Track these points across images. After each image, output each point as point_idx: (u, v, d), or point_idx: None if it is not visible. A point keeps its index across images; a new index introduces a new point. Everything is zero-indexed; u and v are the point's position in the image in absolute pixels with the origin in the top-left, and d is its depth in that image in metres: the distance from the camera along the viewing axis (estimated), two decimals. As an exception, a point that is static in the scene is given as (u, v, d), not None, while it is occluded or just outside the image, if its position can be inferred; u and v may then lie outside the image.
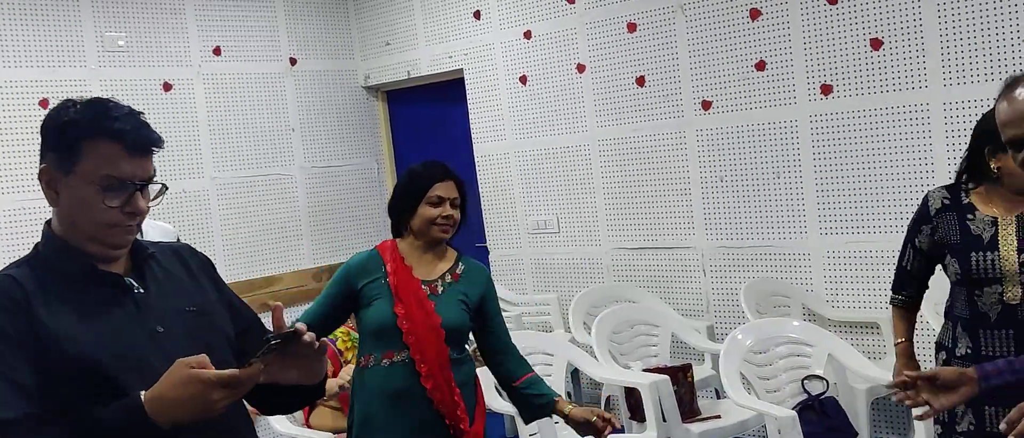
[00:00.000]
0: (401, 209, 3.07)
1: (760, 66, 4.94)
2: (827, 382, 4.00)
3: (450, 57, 6.32)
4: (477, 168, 6.28)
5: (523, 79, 5.96)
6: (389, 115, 6.99)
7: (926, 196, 2.92)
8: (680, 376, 4.30)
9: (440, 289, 3.01)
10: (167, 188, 1.83)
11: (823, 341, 3.98)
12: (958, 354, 2.84)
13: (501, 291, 6.06)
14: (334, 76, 6.75)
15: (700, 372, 4.70)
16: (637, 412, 4.28)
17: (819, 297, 4.87)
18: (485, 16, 6.09)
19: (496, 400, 3.98)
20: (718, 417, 4.23)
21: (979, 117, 2.88)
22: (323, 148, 6.62)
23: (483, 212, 6.31)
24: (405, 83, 6.72)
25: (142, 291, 1.78)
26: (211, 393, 1.56)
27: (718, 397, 4.82)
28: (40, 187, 1.77)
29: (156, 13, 5.89)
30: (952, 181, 2.92)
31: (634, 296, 5.35)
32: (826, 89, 4.74)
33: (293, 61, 6.48)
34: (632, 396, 4.31)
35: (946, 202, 2.86)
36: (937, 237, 2.86)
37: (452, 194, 3.05)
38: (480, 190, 6.29)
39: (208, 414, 1.58)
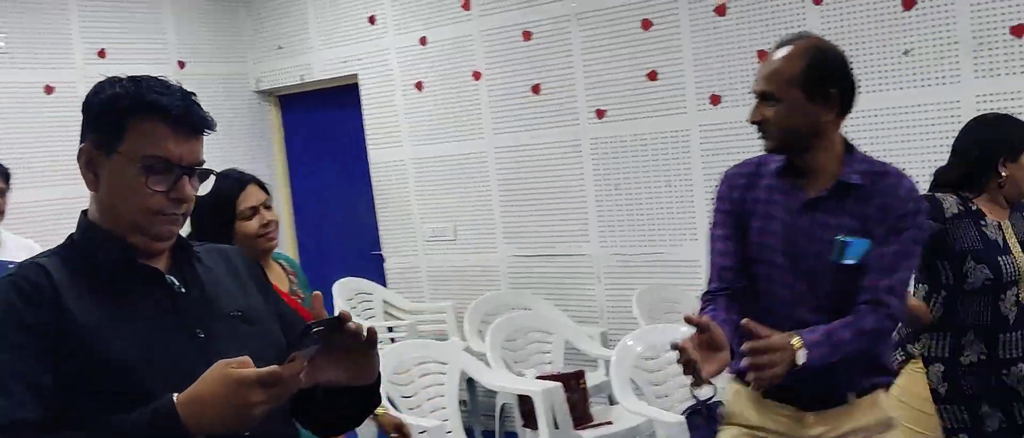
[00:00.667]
0: (213, 236, 2.70)
1: (652, 76, 5.02)
2: (715, 387, 4.06)
3: (344, 62, 6.26)
4: (372, 175, 6.22)
5: (419, 85, 5.93)
6: (282, 121, 6.88)
7: (937, 199, 2.89)
8: (573, 383, 4.33)
9: (301, 295, 2.90)
10: (214, 174, 1.69)
11: (711, 347, 4.05)
12: (966, 363, 2.90)
13: (397, 299, 6.03)
14: (225, 80, 6.61)
15: (594, 379, 4.74)
16: (530, 419, 4.28)
17: (709, 303, 4.95)
18: (380, 21, 6.04)
19: (398, 414, 3.94)
20: (610, 423, 4.27)
21: (971, 125, 3.02)
22: (214, 154, 6.42)
23: (378, 220, 6.26)
24: (298, 88, 6.62)
25: (184, 290, 1.62)
26: (249, 394, 1.38)
27: (611, 403, 4.86)
28: (78, 170, 1.61)
29: (37, 13, 5.69)
30: (927, 190, 2.96)
31: (529, 303, 5.37)
32: (715, 99, 4.84)
33: (181, 64, 6.32)
34: (526, 403, 4.31)
35: (960, 209, 2.89)
36: (950, 242, 2.85)
37: (261, 198, 2.81)
38: (375, 197, 6.24)
39: (247, 422, 1.40)
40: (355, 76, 6.22)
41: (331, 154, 6.57)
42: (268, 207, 2.84)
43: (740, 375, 2.44)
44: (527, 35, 5.43)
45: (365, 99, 6.20)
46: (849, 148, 2.34)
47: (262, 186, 2.86)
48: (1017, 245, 2.90)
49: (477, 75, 5.67)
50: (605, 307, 5.35)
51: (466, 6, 5.64)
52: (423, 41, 5.86)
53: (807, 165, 2.31)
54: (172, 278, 1.62)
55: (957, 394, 2.93)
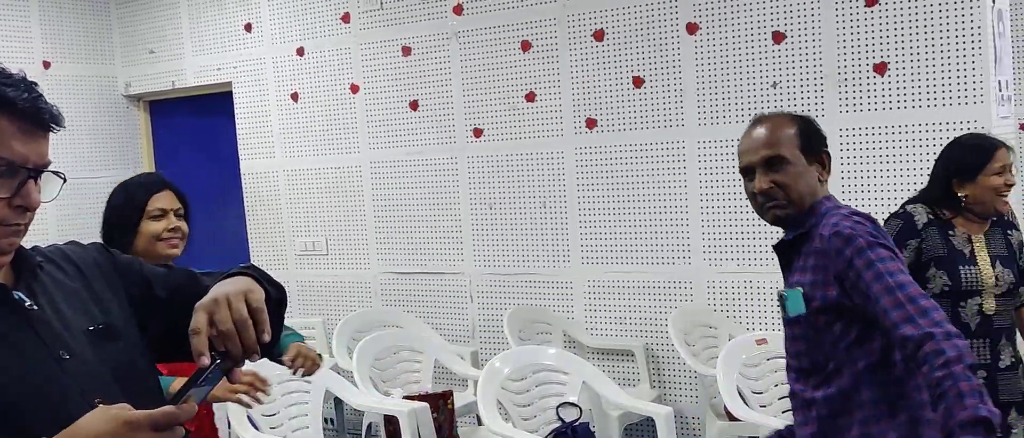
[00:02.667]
0: (120, 231, 2.71)
1: (530, 97, 5.03)
2: (581, 409, 4.08)
3: (218, 69, 6.09)
4: (243, 186, 6.07)
5: (294, 96, 5.81)
6: (151, 127, 6.66)
7: (907, 212, 3.14)
8: (440, 403, 4.28)
9: None
10: (66, 179, 1.44)
11: (578, 368, 4.07)
12: (1002, 367, 3.11)
13: (264, 314, 5.87)
14: (92, 82, 6.36)
15: (463, 399, 4.70)
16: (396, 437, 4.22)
17: (579, 324, 4.99)
18: (256, 29, 5.91)
19: (250, 431, 3.83)
20: (476, 444, 4.24)
21: (944, 147, 3.23)
22: (78, 159, 6.21)
23: (248, 232, 6.10)
24: (169, 93, 6.42)
25: (35, 308, 1.37)
26: (137, 434, 1.20)
27: (479, 424, 4.83)
28: None
29: None
30: (899, 208, 3.22)
31: (401, 321, 5.31)
32: (591, 123, 4.88)
33: (46, 64, 6.06)
34: (392, 423, 4.24)
35: (930, 217, 3.11)
36: (923, 250, 3.09)
37: (174, 205, 2.75)
38: (246, 209, 6.08)
39: None
40: (229, 84, 6.06)
41: (201, 163, 6.38)
42: (180, 217, 2.79)
43: None
44: (406, 51, 5.38)
45: (239, 108, 6.05)
46: (813, 208, 2.26)
47: (178, 194, 2.80)
48: (987, 259, 3.07)
49: (354, 88, 5.59)
50: (477, 326, 5.33)
51: (345, 18, 5.56)
52: (300, 51, 5.75)
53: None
54: (20, 294, 1.37)
55: None
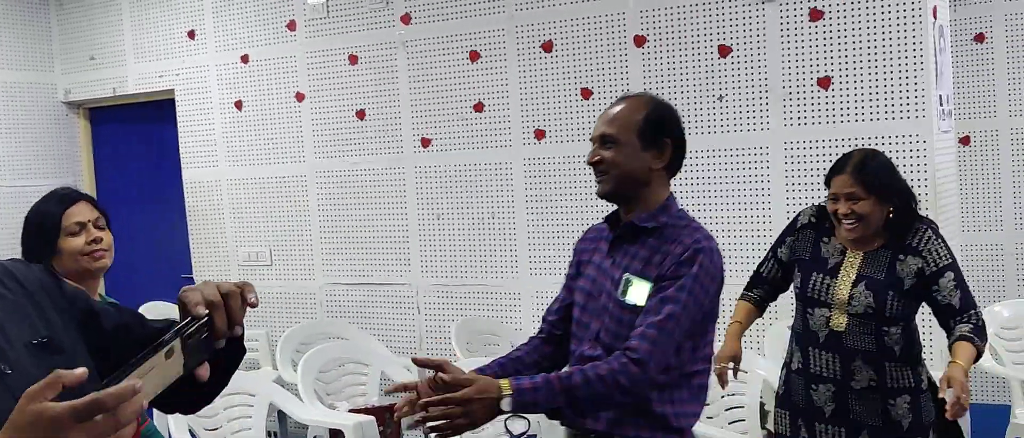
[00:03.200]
0: (40, 252, 2.61)
1: (478, 107, 5.01)
2: (528, 421, 4.05)
3: (161, 76, 5.99)
4: (186, 194, 5.97)
5: (238, 104, 5.73)
6: (91, 135, 6.53)
7: (800, 212, 3.19)
8: (387, 416, 4.24)
9: None
10: None
11: (526, 381, 4.04)
12: (793, 368, 3.13)
13: (207, 325, 5.77)
14: (30, 89, 6.22)
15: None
16: (342, 453, 4.17)
17: (526, 336, 4.95)
18: (200, 36, 5.82)
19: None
20: (423, 457, 4.19)
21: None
22: (14, 166, 6.07)
23: (191, 241, 6.00)
24: (111, 101, 6.30)
25: None
26: (65, 432, 1.06)
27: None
28: None
29: None
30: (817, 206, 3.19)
31: (346, 333, 5.25)
32: (540, 134, 4.87)
33: (-18, 69, 5.92)
34: (337, 437, 4.19)
35: (813, 220, 3.12)
36: (793, 249, 3.12)
37: (92, 215, 2.67)
38: (188, 218, 5.98)
39: None
40: (172, 91, 5.96)
41: (143, 171, 6.27)
42: (101, 227, 2.70)
43: None
44: (353, 59, 5.34)
45: (181, 116, 5.95)
46: (675, 212, 2.40)
47: (95, 204, 2.72)
48: (851, 276, 2.98)
49: (300, 97, 5.53)
50: (425, 338, 5.29)
51: (291, 26, 5.50)
52: (245, 59, 5.68)
53: (629, 212, 2.41)
54: None
55: (787, 399, 3.17)
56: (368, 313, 5.45)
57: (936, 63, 4.18)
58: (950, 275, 2.93)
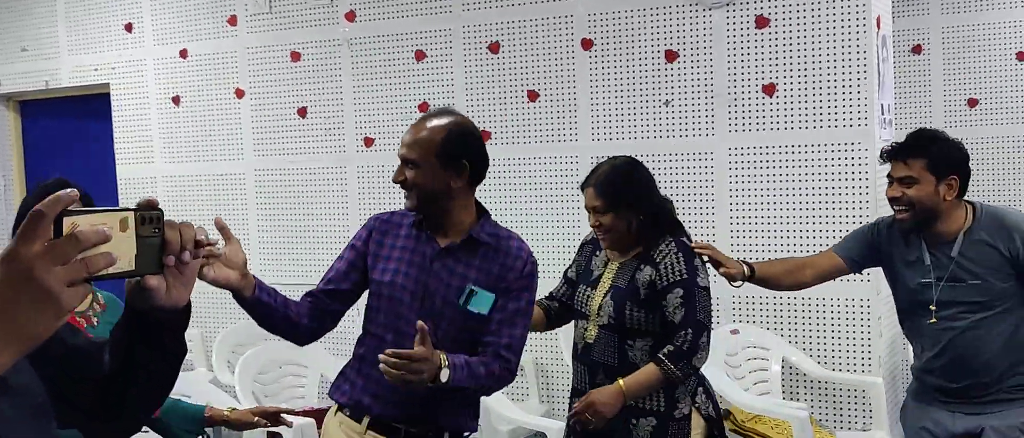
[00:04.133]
0: None
1: (423, 107, 4.96)
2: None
3: (96, 70, 5.83)
4: (120, 192, 5.82)
5: (176, 100, 5.60)
6: (22, 127, 6.33)
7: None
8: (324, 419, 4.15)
9: (95, 321, 2.69)
10: None
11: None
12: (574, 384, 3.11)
13: (140, 325, 5.62)
14: (-43, 79, 6.02)
15: (348, 414, 4.57)
16: (280, 456, 4.08)
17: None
18: (137, 29, 5.68)
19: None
20: (362, 461, 4.12)
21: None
22: (-62, 158, 5.88)
23: (124, 239, 5.84)
24: (42, 93, 6.12)
25: None
26: (41, 270, 1.03)
27: (365, 440, 4.71)
28: None
29: None
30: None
31: (284, 334, 5.13)
32: (485, 135, 4.83)
33: (-94, 57, 5.72)
34: (274, 435, 4.10)
35: (591, 237, 3.13)
36: (578, 265, 3.13)
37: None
38: (122, 215, 5.83)
39: (52, 300, 1.04)
40: (107, 85, 5.81)
41: (75, 167, 6.09)
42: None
43: (344, 408, 2.73)
44: (296, 56, 5.25)
45: (116, 110, 5.80)
46: (484, 214, 2.63)
47: (85, 197, 2.69)
48: (606, 287, 2.93)
49: (240, 93, 5.42)
50: (364, 340, 5.21)
51: (232, 21, 5.39)
52: (183, 54, 5.55)
53: (441, 222, 2.59)
54: None
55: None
56: (307, 314, 5.34)
57: (879, 72, 4.23)
58: (679, 291, 2.81)
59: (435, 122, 2.53)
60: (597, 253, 3.06)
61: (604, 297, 2.94)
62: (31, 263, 1.04)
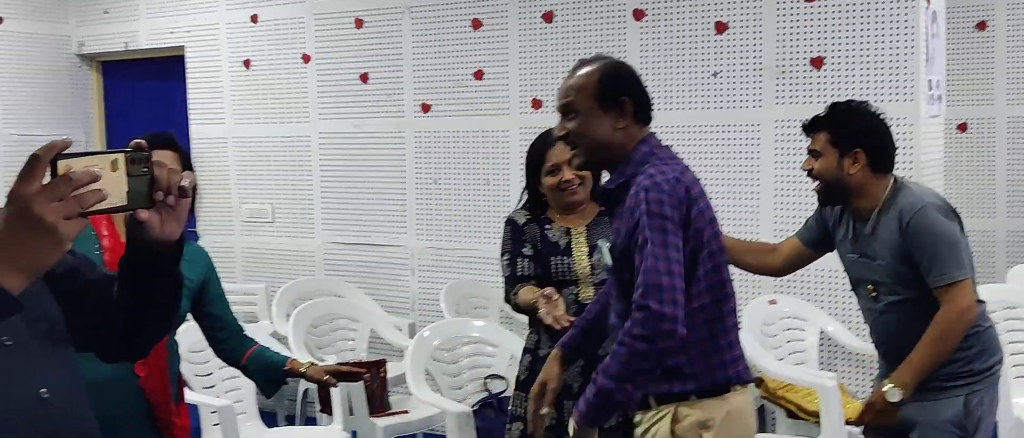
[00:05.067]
0: None
1: (478, 75, 5.09)
2: (508, 381, 4.17)
3: (172, 33, 6.09)
4: (193, 151, 6.08)
5: (247, 63, 5.83)
6: (103, 87, 6.65)
7: (509, 218, 3.24)
8: (373, 371, 4.34)
9: None
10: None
11: (505, 342, 4.15)
12: (541, 355, 3.05)
13: (208, 278, 5.89)
14: (45, 40, 6.34)
15: (397, 368, 4.77)
16: (329, 404, 4.28)
17: (517, 301, 5.07)
18: (212, -5, 5.92)
19: (186, 390, 3.88)
20: (406, 412, 4.31)
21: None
22: (26, 115, 6.20)
23: (195, 197, 6.10)
24: (123, 55, 6.41)
25: None
26: (38, 205, 1.21)
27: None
28: None
29: None
30: (521, 206, 3.27)
31: (342, 290, 5.36)
32: (536, 103, 4.95)
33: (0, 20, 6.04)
34: (324, 389, 4.30)
35: (529, 218, 3.20)
36: (530, 247, 3.14)
37: (170, 165, 2.82)
38: (195, 174, 6.08)
39: (50, 233, 1.23)
40: (182, 48, 6.06)
41: (151, 126, 6.36)
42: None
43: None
44: (359, 23, 5.42)
45: (190, 72, 6.06)
46: (640, 160, 2.37)
47: (182, 159, 2.86)
48: (584, 249, 3.09)
49: (306, 58, 5.62)
50: (417, 299, 5.40)
51: (300, -12, 5.59)
52: (254, 19, 5.77)
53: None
54: None
55: (529, 385, 3.01)
56: (364, 272, 5.56)
57: (927, 48, 4.22)
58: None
59: (586, 67, 2.42)
60: (547, 228, 3.14)
61: (592, 257, 3.07)
62: (29, 200, 1.23)
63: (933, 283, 2.79)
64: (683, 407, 2.33)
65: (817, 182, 3.00)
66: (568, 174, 3.07)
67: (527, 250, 3.15)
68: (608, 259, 2.47)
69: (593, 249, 3.07)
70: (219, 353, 3.05)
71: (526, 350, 3.21)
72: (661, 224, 2.21)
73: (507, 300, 3.23)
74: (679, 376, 2.32)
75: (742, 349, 2.43)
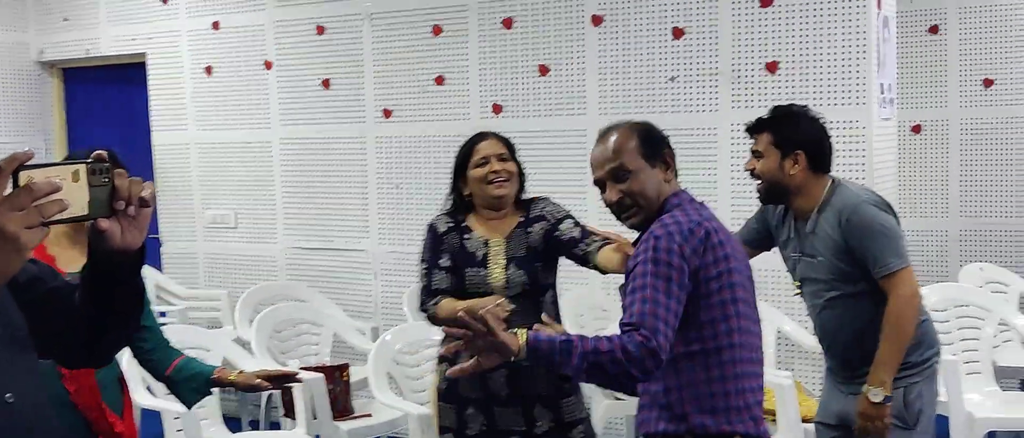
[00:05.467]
0: None
1: (439, 80, 5.14)
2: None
3: (133, 40, 6.09)
4: (154, 157, 6.08)
5: (208, 70, 5.84)
6: (64, 94, 6.62)
7: (431, 224, 3.24)
8: (336, 375, 4.38)
9: None
10: None
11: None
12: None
13: (171, 285, 5.91)
14: (4, 48, 6.31)
15: (360, 373, 4.79)
16: (292, 409, 4.31)
17: (480, 305, 5.11)
18: (173, 1, 5.91)
19: (147, 397, 3.90)
20: (369, 416, 4.34)
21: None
22: (-11, 124, 6.18)
23: (158, 203, 6.11)
24: (84, 62, 6.39)
25: None
26: None
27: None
28: None
29: None
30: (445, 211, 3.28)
31: (305, 295, 5.38)
32: (497, 108, 5.00)
33: (-44, 27, 6.01)
34: (288, 394, 4.33)
35: (450, 226, 3.21)
36: (448, 257, 3.14)
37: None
38: (157, 180, 6.09)
39: (12, 242, 1.28)
40: (143, 55, 6.06)
41: (113, 132, 6.37)
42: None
43: None
44: (320, 29, 5.45)
45: (152, 79, 6.05)
46: (664, 205, 2.42)
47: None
48: (500, 262, 3.09)
49: (268, 64, 5.64)
50: (379, 303, 5.43)
51: (261, -6, 5.61)
52: (215, 25, 5.78)
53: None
54: None
55: (453, 394, 3.16)
56: (327, 277, 5.58)
57: (879, 52, 4.32)
58: (570, 222, 3.14)
59: (618, 129, 2.46)
60: (466, 237, 3.16)
61: (507, 270, 3.09)
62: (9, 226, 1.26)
63: (878, 274, 2.91)
64: None
65: (759, 181, 3.09)
66: (496, 165, 3.12)
67: (444, 261, 3.15)
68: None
69: (510, 262, 3.09)
70: (144, 364, 2.99)
71: (442, 358, 3.10)
72: (659, 270, 2.25)
73: (422, 309, 3.19)
74: (674, 416, 2.35)
75: (758, 401, 2.42)
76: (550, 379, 3.07)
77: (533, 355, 2.17)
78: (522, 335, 2.18)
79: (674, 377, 2.33)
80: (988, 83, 5.71)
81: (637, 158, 2.40)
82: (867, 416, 2.94)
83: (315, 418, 4.11)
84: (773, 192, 3.08)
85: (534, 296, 3.12)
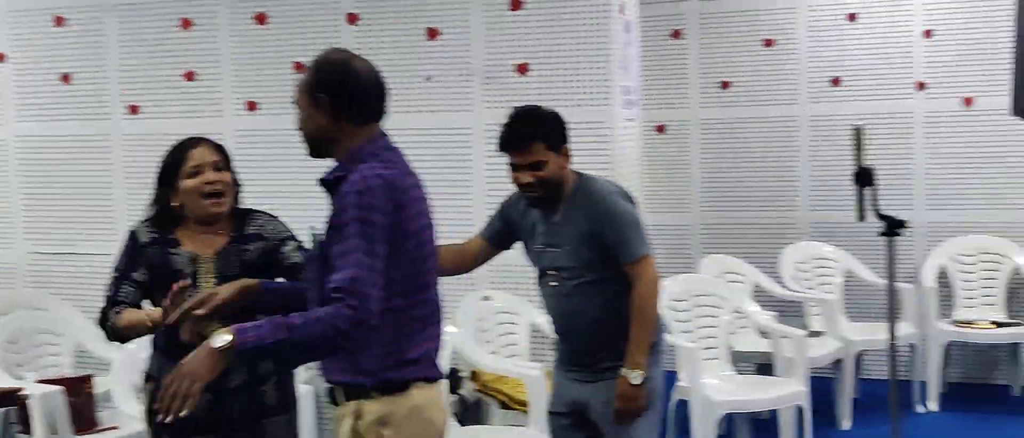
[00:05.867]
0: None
1: (189, 76, 4.97)
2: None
3: None
4: None
5: (-69, 62, 5.40)
6: None
7: (132, 231, 3.02)
8: (78, 387, 4.16)
9: None
10: None
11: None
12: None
13: None
14: None
15: (105, 384, 4.56)
16: (27, 423, 4.05)
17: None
18: None
19: None
20: (115, 428, 4.15)
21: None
22: None
23: None
24: None
25: None
26: None
27: (126, 408, 4.72)
28: None
29: None
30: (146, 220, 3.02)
31: (45, 303, 5.06)
32: (252, 105, 4.89)
33: None
34: (22, 408, 4.07)
35: (154, 236, 2.96)
36: (144, 271, 2.92)
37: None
38: None
39: None
40: None
41: None
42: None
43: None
44: (59, 20, 5.14)
45: None
46: (360, 157, 2.36)
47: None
48: (211, 281, 2.82)
49: (2, 57, 5.27)
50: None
51: (-9, -19, 5.23)
52: (-61, 14, 5.35)
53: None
54: None
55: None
56: (72, 283, 5.27)
57: (622, 56, 4.53)
58: (293, 244, 2.97)
59: (313, 62, 2.51)
60: (173, 251, 2.92)
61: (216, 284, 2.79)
62: None
63: (625, 260, 3.10)
64: (365, 403, 2.38)
65: (539, 190, 3.13)
66: (211, 176, 2.91)
67: (138, 274, 2.92)
68: (314, 247, 2.39)
69: (221, 281, 2.76)
70: None
71: (149, 377, 2.94)
72: (368, 230, 2.23)
73: (101, 324, 2.95)
74: (361, 370, 2.37)
75: (436, 348, 2.49)
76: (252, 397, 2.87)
77: (242, 347, 2.12)
78: (226, 331, 2.14)
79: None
80: (726, 85, 6.11)
81: (301, 95, 2.47)
82: (626, 398, 3.09)
83: (55, 434, 3.89)
84: (553, 192, 3.16)
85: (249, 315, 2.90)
